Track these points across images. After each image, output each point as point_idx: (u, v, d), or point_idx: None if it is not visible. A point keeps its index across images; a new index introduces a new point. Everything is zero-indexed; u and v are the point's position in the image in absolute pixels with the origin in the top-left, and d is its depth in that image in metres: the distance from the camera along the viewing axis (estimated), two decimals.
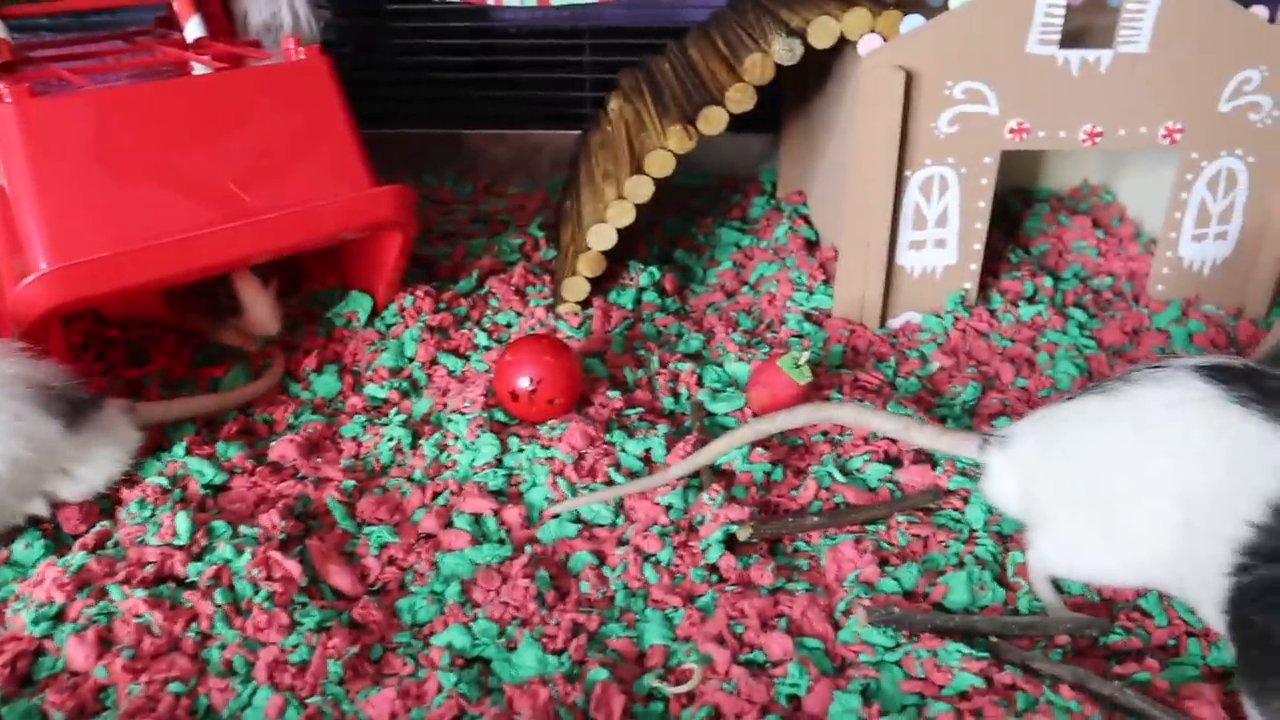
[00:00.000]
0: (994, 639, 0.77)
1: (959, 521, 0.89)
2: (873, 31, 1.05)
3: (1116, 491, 0.74)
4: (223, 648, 0.77)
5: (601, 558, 0.86)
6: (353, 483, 0.93)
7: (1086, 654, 0.78)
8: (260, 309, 1.06)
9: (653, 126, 1.14)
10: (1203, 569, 0.68)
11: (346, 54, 1.60)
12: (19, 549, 0.85)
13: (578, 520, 0.90)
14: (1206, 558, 0.68)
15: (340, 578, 0.84)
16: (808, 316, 1.17)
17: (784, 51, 1.05)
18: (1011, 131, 1.09)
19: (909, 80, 1.05)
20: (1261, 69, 1.08)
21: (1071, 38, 1.11)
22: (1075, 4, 1.28)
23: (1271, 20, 1.07)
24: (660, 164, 1.10)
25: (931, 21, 1.04)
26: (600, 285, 1.20)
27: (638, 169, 1.11)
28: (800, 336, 1.13)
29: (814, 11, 1.08)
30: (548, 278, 1.26)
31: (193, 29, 1.13)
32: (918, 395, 1.05)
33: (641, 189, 1.11)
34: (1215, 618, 0.69)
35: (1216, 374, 0.71)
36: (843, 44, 1.07)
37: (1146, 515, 0.72)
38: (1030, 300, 1.20)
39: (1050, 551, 0.80)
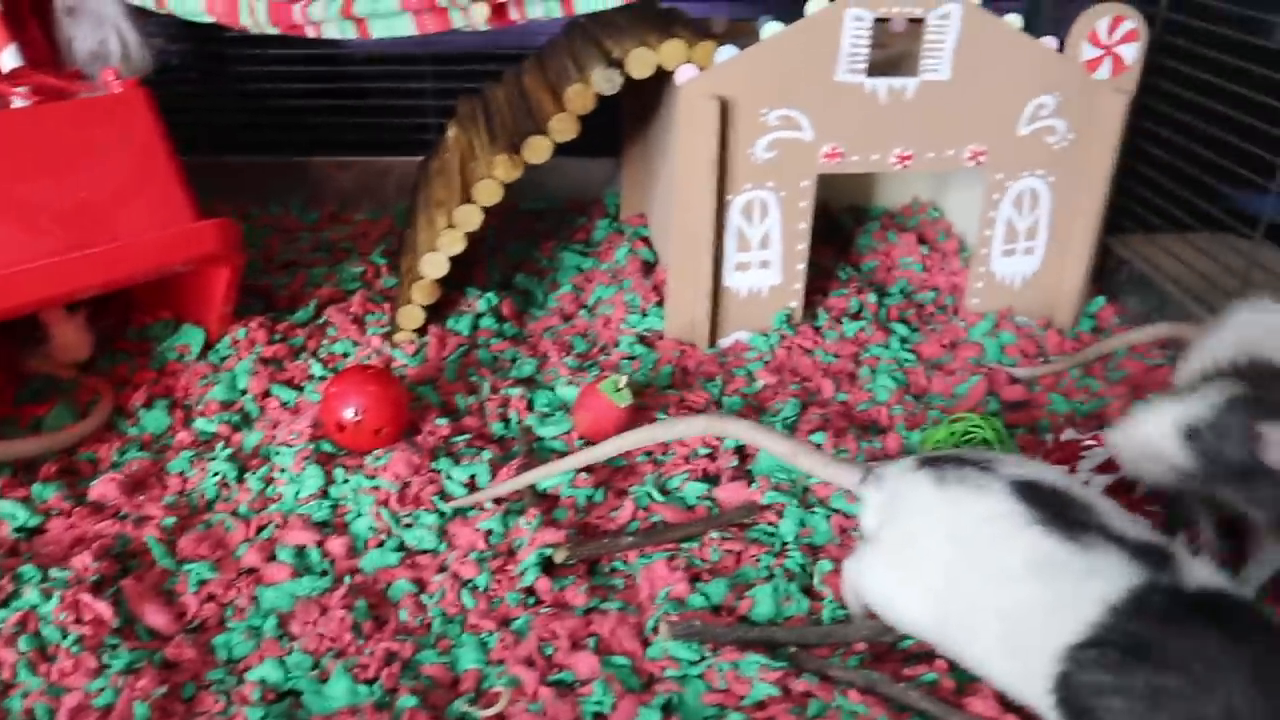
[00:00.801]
0: (794, 648, 0.81)
1: (772, 535, 0.93)
2: (689, 62, 1.09)
3: (935, 576, 0.75)
4: (24, 695, 0.76)
5: (421, 585, 0.87)
6: (174, 520, 0.93)
7: (884, 658, 0.82)
8: (67, 335, 1.05)
9: (482, 155, 1.16)
10: (1028, 664, 0.70)
11: (190, 80, 1.58)
12: None
13: (401, 548, 0.91)
14: (1032, 655, 0.69)
15: (156, 617, 0.84)
16: (640, 339, 1.20)
17: (603, 82, 1.08)
18: (826, 156, 1.14)
19: (726, 108, 1.09)
20: (1055, 95, 1.16)
21: (892, 64, 1.17)
22: (898, 30, 1.35)
23: (1060, 50, 1.14)
24: (488, 193, 1.12)
25: (745, 52, 1.08)
26: (440, 312, 1.21)
27: (467, 198, 1.12)
28: (632, 359, 1.16)
29: (633, 42, 1.11)
30: (388, 305, 1.26)
31: (8, 59, 1.10)
32: (742, 412, 1.08)
33: (471, 218, 1.13)
34: (1039, 699, 0.70)
35: (1026, 491, 0.73)
36: (668, 72, 1.10)
37: (958, 609, 0.74)
38: (854, 316, 1.25)
39: (871, 582, 0.80)
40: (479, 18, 1.02)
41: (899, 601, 0.78)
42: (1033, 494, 0.73)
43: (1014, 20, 1.12)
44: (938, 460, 0.79)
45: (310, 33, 1.05)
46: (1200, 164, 1.23)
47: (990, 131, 1.16)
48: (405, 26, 1.03)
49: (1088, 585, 0.68)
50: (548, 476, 0.94)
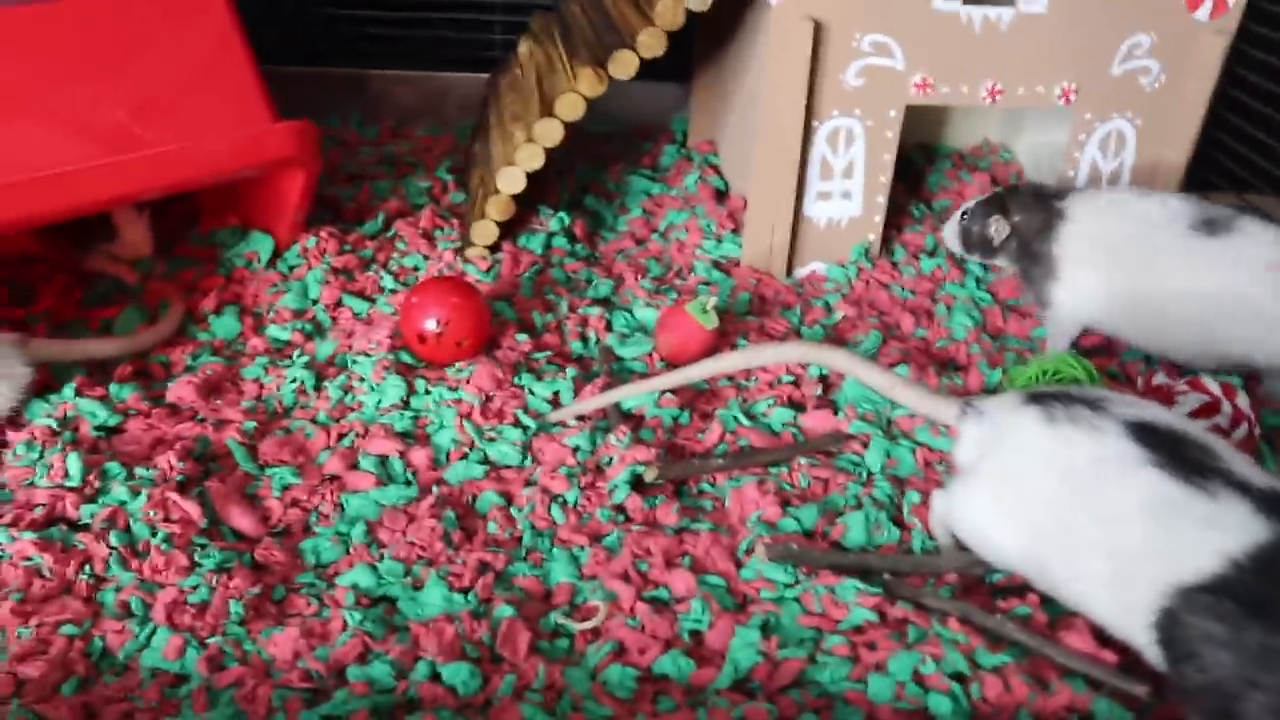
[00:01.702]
0: (887, 576, 0.80)
1: (858, 465, 0.92)
2: None
3: (1040, 513, 0.74)
4: (118, 590, 0.75)
5: (509, 498, 0.86)
6: (254, 424, 0.92)
7: (973, 590, 0.81)
8: (134, 231, 1.04)
9: (563, 69, 1.13)
10: (1134, 600, 0.69)
11: None
12: None
13: (485, 462, 0.90)
14: (1139, 592, 0.69)
15: (241, 519, 0.83)
16: (716, 264, 1.19)
17: None
18: (916, 86, 1.11)
19: (818, 31, 1.06)
20: (1151, 34, 1.12)
21: None
22: None
23: None
24: (570, 107, 1.09)
25: None
26: (510, 230, 1.19)
27: (547, 112, 1.10)
28: (708, 284, 1.15)
29: None
30: (456, 221, 1.24)
31: None
32: (821, 342, 1.07)
33: (551, 132, 1.10)
34: (1141, 635, 0.70)
35: (1143, 433, 0.72)
36: None
37: (1064, 547, 0.73)
38: (930, 254, 1.23)
39: (966, 515, 0.79)
40: None
41: (996, 536, 0.77)
42: (1149, 435, 0.72)
43: None
44: (1046, 397, 0.77)
45: None
46: None
47: (1083, 69, 1.13)
48: None
49: (1208, 533, 0.67)
50: (638, 394, 0.93)
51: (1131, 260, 0.99)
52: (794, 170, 1.12)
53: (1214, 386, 0.91)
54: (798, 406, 0.97)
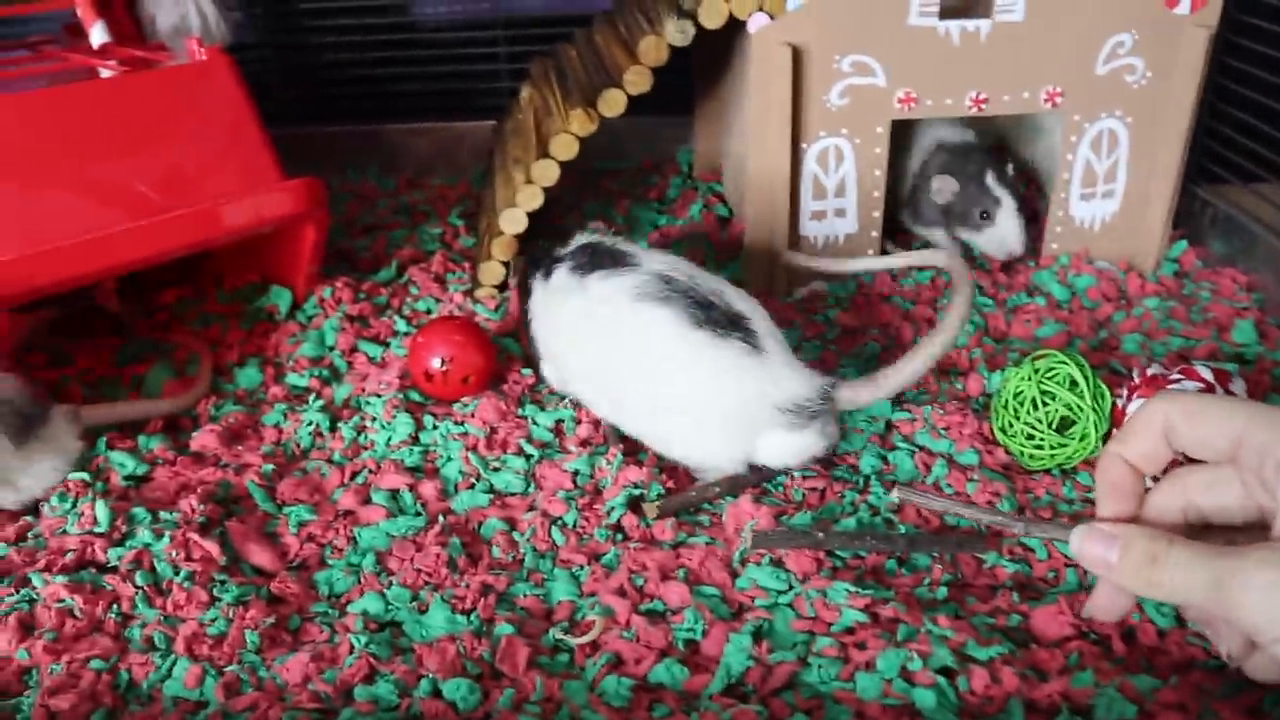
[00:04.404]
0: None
1: (854, 473, 0.93)
2: (760, 10, 1.09)
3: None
4: (143, 626, 0.80)
5: (512, 524, 0.90)
6: (272, 467, 0.96)
7: (967, 589, 0.82)
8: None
9: (558, 111, 1.18)
10: None
11: (267, 57, 1.62)
12: None
13: (490, 491, 0.93)
14: None
15: (260, 556, 0.87)
16: None
17: (676, 33, 1.09)
18: (900, 101, 1.14)
19: (798, 55, 1.09)
20: (1133, 33, 1.14)
21: (959, 10, 1.16)
22: None
23: None
24: (564, 147, 1.13)
25: None
26: None
27: (543, 153, 1.14)
28: None
29: None
30: (467, 264, 1.29)
31: (97, 35, 1.15)
32: (821, 356, 1.09)
33: (548, 172, 1.14)
34: None
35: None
36: (739, 22, 1.11)
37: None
38: None
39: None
40: None
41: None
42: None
43: None
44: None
45: None
46: None
47: (1067, 72, 1.15)
48: None
49: None
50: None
51: None
52: (785, 192, 1.14)
53: (1207, 373, 0.92)
54: None
